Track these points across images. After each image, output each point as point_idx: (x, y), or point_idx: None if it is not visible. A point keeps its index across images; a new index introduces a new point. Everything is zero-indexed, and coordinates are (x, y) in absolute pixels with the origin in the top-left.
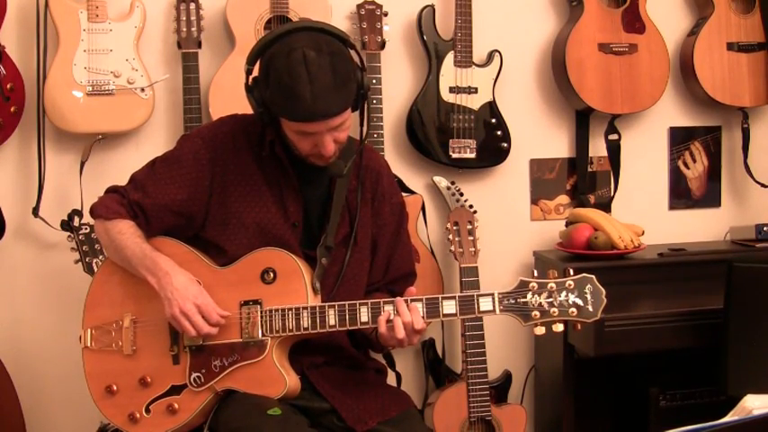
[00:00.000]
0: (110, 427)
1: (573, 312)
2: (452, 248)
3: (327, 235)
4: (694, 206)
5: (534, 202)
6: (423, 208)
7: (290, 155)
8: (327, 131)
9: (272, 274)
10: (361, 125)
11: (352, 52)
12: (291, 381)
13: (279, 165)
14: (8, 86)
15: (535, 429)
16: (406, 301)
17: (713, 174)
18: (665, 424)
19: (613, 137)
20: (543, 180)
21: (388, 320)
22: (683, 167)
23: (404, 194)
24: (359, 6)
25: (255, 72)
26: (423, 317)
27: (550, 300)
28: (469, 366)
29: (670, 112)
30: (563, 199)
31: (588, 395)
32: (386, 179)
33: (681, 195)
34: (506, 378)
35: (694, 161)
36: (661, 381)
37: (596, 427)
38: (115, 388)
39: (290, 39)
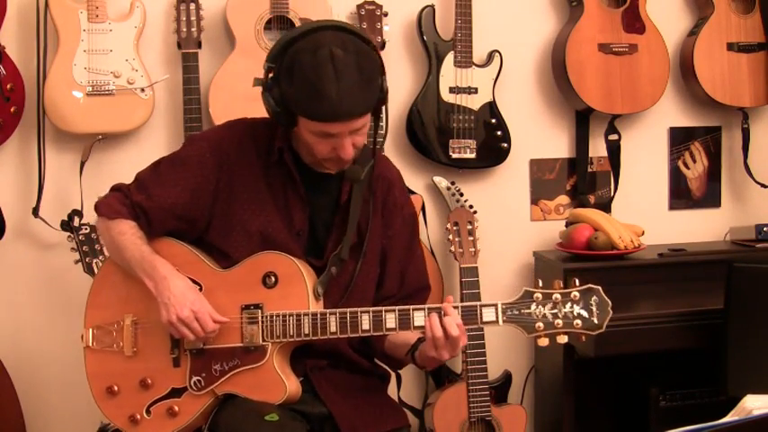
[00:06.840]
0: (110, 427)
1: (578, 324)
2: (452, 249)
3: (343, 246)
4: (694, 206)
5: (534, 202)
6: (423, 208)
7: (298, 162)
8: (348, 134)
9: (273, 278)
10: (376, 130)
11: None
12: (292, 386)
13: (286, 172)
14: (8, 86)
15: (535, 429)
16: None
17: (713, 174)
18: (665, 424)
19: (613, 137)
20: (543, 180)
21: (442, 325)
22: (683, 168)
23: None
24: (359, 6)
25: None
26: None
27: (555, 311)
28: (469, 366)
29: (670, 113)
30: (563, 199)
31: (588, 395)
32: (398, 189)
33: (681, 195)
34: (506, 378)
35: (694, 161)
36: (661, 381)
37: (596, 427)
38: (116, 389)
39: (316, 36)
